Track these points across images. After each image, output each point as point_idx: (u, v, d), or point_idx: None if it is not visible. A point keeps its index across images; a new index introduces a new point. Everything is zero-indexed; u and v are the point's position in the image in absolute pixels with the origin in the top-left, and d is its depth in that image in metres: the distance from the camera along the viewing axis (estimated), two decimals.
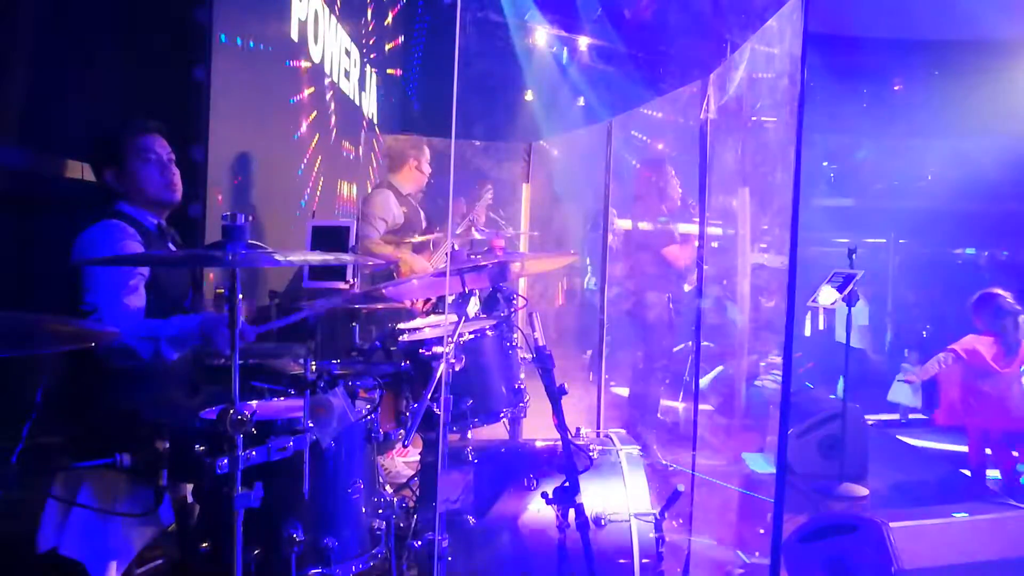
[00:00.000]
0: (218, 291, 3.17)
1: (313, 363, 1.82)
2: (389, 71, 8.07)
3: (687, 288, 5.03)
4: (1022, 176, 8.13)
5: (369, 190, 4.99)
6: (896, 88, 10.01)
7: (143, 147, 2.39)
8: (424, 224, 4.86)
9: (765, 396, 5.62)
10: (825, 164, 10.56)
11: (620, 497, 2.47)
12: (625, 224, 4.99)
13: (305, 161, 4.96)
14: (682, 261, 4.85)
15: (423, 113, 9.28)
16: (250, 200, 3.97)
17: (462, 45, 2.19)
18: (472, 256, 3.39)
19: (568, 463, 2.24)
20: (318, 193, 5.22)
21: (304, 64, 4.86)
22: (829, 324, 8.42)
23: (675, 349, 5.43)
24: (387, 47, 7.88)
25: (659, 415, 5.45)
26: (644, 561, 2.39)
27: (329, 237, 3.88)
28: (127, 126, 2.43)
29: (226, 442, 1.61)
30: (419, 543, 2.23)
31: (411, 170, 4.62)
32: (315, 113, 5.15)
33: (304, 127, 4.93)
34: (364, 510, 1.97)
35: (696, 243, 4.43)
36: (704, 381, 5.61)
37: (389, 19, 7.90)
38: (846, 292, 4.73)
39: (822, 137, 9.66)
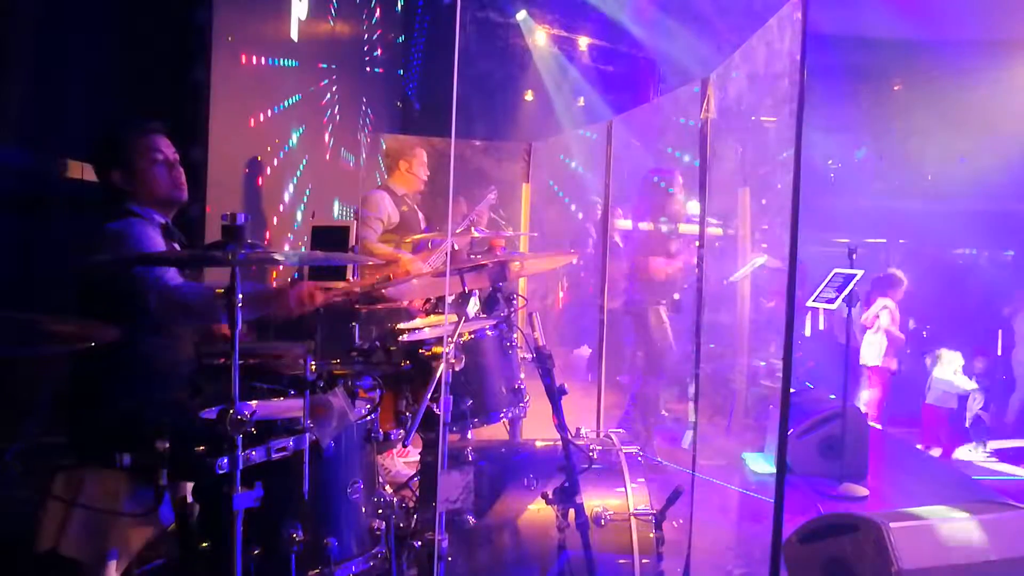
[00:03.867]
0: (218, 291, 3.16)
1: (313, 363, 1.82)
2: (383, 70, 8.07)
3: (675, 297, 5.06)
4: (1022, 176, 8.13)
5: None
6: (896, 88, 10.00)
7: (149, 147, 2.40)
8: (423, 225, 4.86)
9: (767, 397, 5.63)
10: (829, 162, 10.54)
11: (620, 497, 2.47)
12: (625, 224, 4.99)
13: (306, 161, 4.96)
14: (663, 275, 4.85)
15: (423, 113, 9.28)
16: (250, 200, 3.97)
17: (462, 45, 2.19)
18: (472, 256, 3.39)
19: (568, 463, 2.24)
20: (312, 194, 5.22)
21: (303, 64, 4.86)
22: (829, 324, 8.42)
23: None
24: (387, 47, 7.87)
25: (664, 412, 5.46)
26: (644, 561, 2.39)
27: (329, 237, 3.89)
28: (131, 127, 2.43)
29: (226, 442, 1.61)
30: (419, 543, 2.23)
31: (403, 173, 4.63)
32: (315, 113, 5.15)
33: (304, 127, 4.93)
34: (364, 510, 1.97)
35: (695, 253, 4.43)
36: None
37: (388, 18, 7.89)
38: (846, 292, 4.72)
39: (822, 137, 9.64)
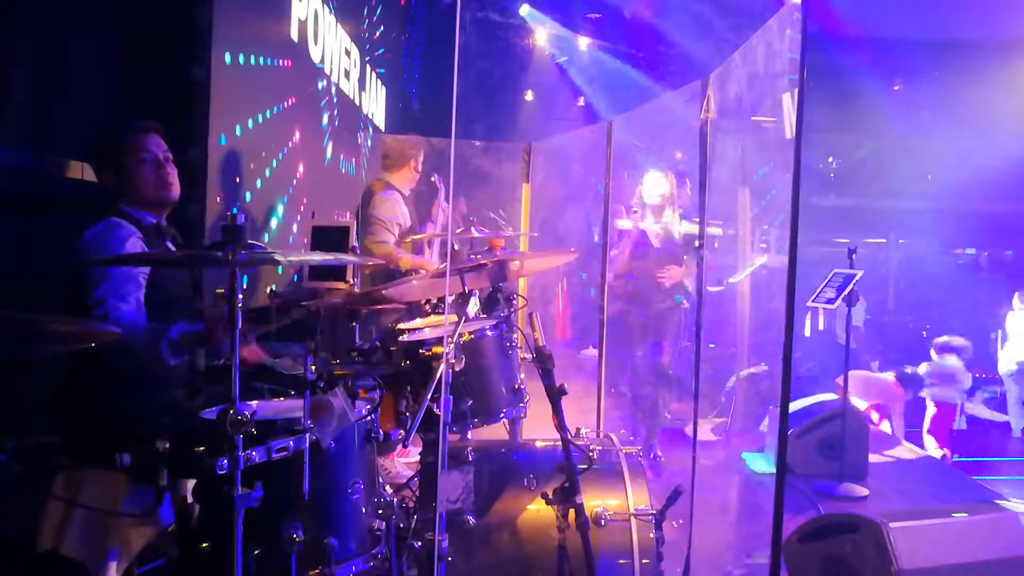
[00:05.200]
0: (218, 291, 3.16)
1: (313, 363, 1.82)
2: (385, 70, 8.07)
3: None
4: (1022, 176, 8.13)
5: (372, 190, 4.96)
6: (896, 88, 10.01)
7: (137, 147, 2.40)
8: (417, 224, 4.86)
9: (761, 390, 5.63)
10: (831, 159, 10.55)
11: (620, 497, 2.47)
12: (626, 224, 4.98)
13: (305, 161, 4.96)
14: (669, 281, 4.88)
15: (423, 113, 9.28)
16: (250, 200, 3.97)
17: (462, 45, 2.19)
18: (472, 256, 3.39)
19: (568, 463, 2.24)
20: (311, 196, 5.22)
21: (304, 64, 4.86)
22: (829, 324, 8.42)
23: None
24: (386, 46, 7.88)
25: (667, 415, 5.44)
26: (644, 561, 2.39)
27: (330, 238, 3.88)
28: (121, 127, 2.44)
29: (226, 442, 1.61)
30: (419, 543, 2.23)
31: (410, 170, 4.60)
32: (315, 113, 5.15)
33: (305, 127, 4.93)
34: (364, 510, 1.97)
35: (696, 244, 4.42)
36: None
37: (389, 18, 7.89)
38: (846, 292, 4.72)
39: (822, 137, 9.64)
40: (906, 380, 6.63)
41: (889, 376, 6.58)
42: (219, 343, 2.18)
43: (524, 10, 9.34)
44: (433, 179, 5.10)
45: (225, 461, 1.61)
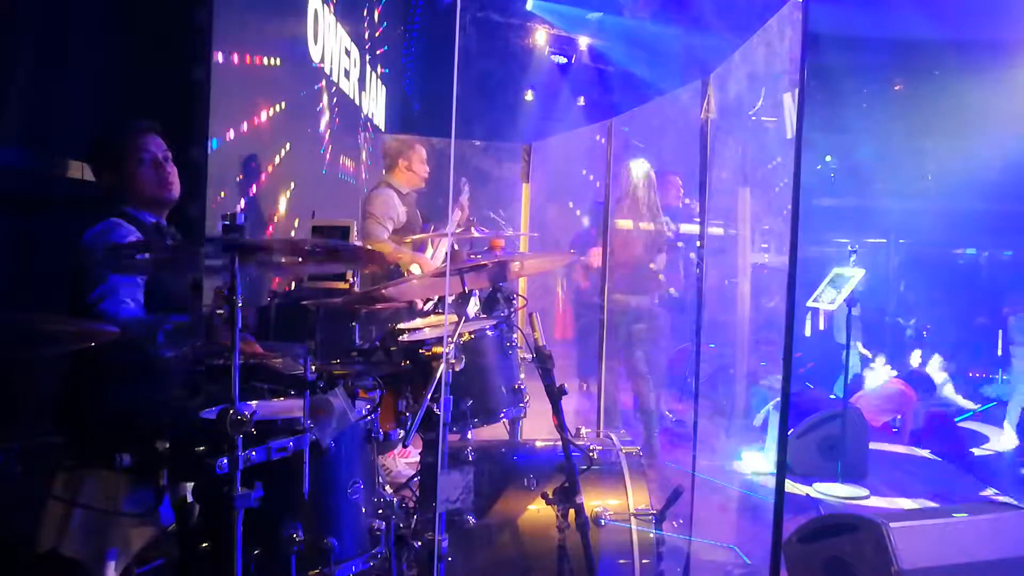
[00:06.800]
0: (218, 289, 3.16)
1: (313, 363, 1.82)
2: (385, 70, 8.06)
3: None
4: (1022, 176, 8.12)
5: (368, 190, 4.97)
6: (896, 88, 10.00)
7: (136, 147, 2.40)
8: (421, 223, 4.86)
9: (767, 397, 5.62)
10: (829, 159, 10.53)
11: (620, 497, 2.47)
12: (626, 224, 4.97)
13: (304, 161, 4.96)
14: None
15: (423, 113, 9.28)
16: (250, 200, 3.97)
17: (462, 45, 2.19)
18: (472, 255, 3.39)
19: (568, 463, 2.24)
20: (311, 196, 5.22)
21: (304, 64, 4.86)
22: (829, 324, 8.42)
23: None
24: (387, 46, 7.87)
25: (668, 413, 5.44)
26: (644, 561, 2.39)
27: (329, 237, 3.88)
28: (120, 127, 2.44)
29: (226, 442, 1.61)
30: (419, 543, 2.23)
31: (403, 170, 4.62)
32: (314, 113, 5.15)
33: (305, 127, 4.93)
34: (364, 510, 1.97)
35: (698, 244, 4.41)
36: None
37: (389, 18, 7.89)
38: (846, 292, 4.73)
39: (822, 137, 9.63)
40: (915, 381, 6.58)
41: (898, 383, 6.52)
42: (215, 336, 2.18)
43: (530, 4, 9.33)
44: (463, 183, 5.15)
45: (225, 461, 1.61)
